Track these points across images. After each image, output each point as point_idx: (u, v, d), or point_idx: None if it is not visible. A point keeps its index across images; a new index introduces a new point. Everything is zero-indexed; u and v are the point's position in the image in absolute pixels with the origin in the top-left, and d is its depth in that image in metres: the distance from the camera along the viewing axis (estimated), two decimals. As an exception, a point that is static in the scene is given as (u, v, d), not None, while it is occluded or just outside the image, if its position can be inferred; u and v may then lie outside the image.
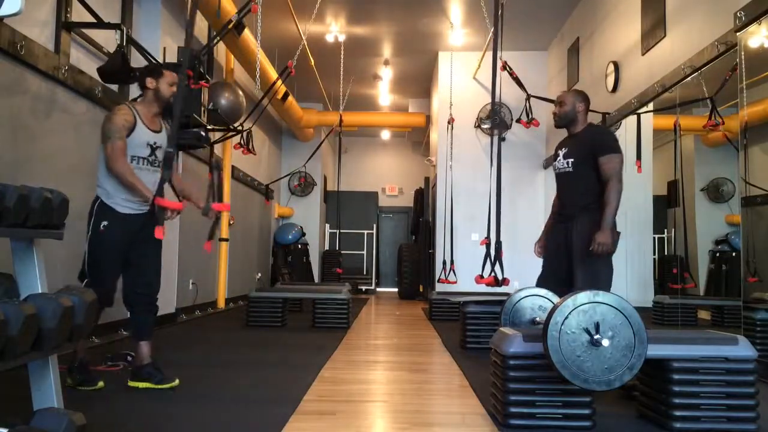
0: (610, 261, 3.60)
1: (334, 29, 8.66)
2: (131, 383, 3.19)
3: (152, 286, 3.34)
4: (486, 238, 4.29)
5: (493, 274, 4.00)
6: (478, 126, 9.47)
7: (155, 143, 3.33)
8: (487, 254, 4.14)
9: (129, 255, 3.26)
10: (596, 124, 3.88)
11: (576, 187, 3.73)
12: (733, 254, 6.14)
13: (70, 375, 3.12)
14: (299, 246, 11.45)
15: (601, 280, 3.51)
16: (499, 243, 4.02)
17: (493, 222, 4.15)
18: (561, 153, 3.82)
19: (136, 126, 3.26)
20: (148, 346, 3.27)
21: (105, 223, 3.17)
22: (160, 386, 3.15)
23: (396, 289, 12.96)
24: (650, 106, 5.96)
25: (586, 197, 3.66)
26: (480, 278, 4.17)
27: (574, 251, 3.63)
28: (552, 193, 4.19)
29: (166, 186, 3.24)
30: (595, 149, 3.65)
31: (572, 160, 3.73)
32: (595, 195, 3.62)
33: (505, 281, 4.01)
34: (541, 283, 3.75)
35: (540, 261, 3.96)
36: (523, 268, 6.24)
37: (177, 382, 3.19)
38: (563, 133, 4.04)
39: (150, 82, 3.31)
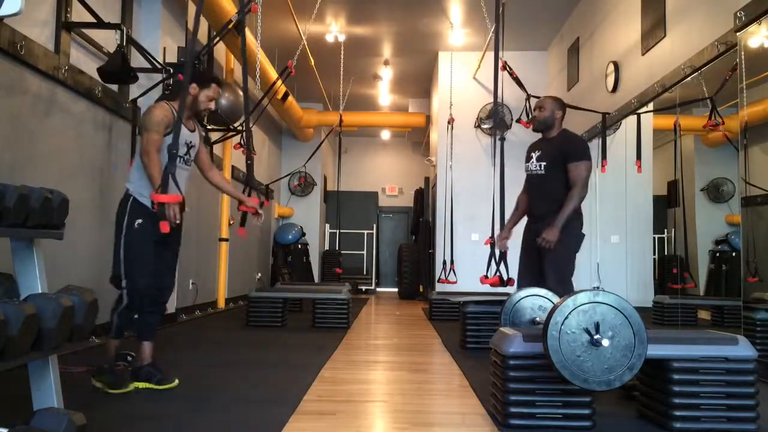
0: (569, 251, 3.90)
1: (334, 29, 8.66)
2: (132, 383, 3.18)
3: (166, 289, 3.36)
4: (490, 237, 4.32)
5: (497, 274, 4.06)
6: (478, 126, 9.47)
7: (191, 142, 3.34)
8: (492, 254, 4.17)
9: None
10: (569, 130, 4.07)
11: (546, 189, 3.97)
12: (733, 254, 6.14)
13: (99, 377, 3.08)
14: (299, 246, 11.45)
15: (561, 277, 3.83)
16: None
17: (497, 222, 4.20)
18: (534, 155, 4.07)
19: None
20: (150, 347, 3.27)
21: (140, 220, 3.13)
22: (159, 387, 3.14)
23: (396, 289, 12.96)
24: (650, 106, 5.96)
25: (554, 201, 3.90)
26: (485, 278, 4.23)
27: (542, 251, 3.89)
28: None
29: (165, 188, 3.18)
30: (566, 155, 3.89)
31: (544, 163, 3.97)
32: (563, 198, 3.87)
33: (510, 281, 4.06)
34: (519, 279, 4.05)
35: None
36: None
37: (176, 382, 3.19)
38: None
39: (194, 88, 3.27)
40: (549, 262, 3.88)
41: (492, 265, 4.14)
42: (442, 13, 8.20)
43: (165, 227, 2.94)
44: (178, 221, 3.02)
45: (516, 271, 4.14)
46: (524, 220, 4.28)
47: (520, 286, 4.01)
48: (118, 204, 3.26)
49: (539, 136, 4.20)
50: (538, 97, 6.79)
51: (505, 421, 2.53)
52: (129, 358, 3.53)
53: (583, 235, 4.02)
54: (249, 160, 3.60)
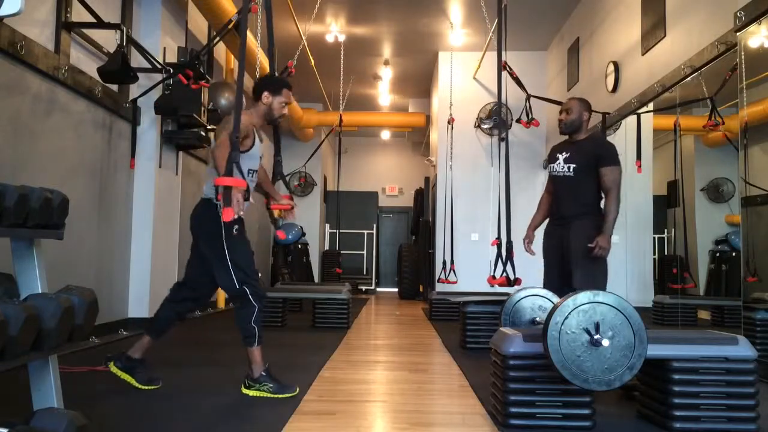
0: (605, 263, 3.80)
1: (334, 29, 8.66)
2: (113, 368, 3.16)
3: (208, 298, 3.38)
4: (497, 238, 4.33)
5: (504, 274, 4.06)
6: (478, 126, 9.47)
7: (262, 155, 3.32)
8: (498, 255, 4.18)
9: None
10: (598, 133, 4.01)
11: (575, 192, 3.90)
12: (733, 254, 6.14)
13: (257, 388, 3.08)
14: (299, 246, 11.45)
15: (599, 281, 3.72)
16: (510, 243, 4.10)
17: (503, 222, 4.21)
18: (561, 157, 3.98)
19: (255, 142, 3.19)
20: (151, 343, 3.27)
21: (236, 226, 3.04)
22: (139, 385, 3.13)
23: (396, 289, 12.96)
24: (650, 106, 5.96)
25: (583, 203, 3.86)
26: (492, 279, 4.24)
27: (572, 253, 3.80)
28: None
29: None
30: (598, 159, 3.83)
31: (574, 165, 3.89)
32: (592, 201, 3.85)
33: (517, 281, 4.07)
34: (547, 284, 3.91)
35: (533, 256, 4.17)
36: (524, 267, 6.23)
37: (158, 386, 3.15)
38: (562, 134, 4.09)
39: (266, 97, 3.21)
40: (583, 265, 3.76)
41: (499, 265, 4.15)
42: (442, 13, 8.20)
43: (228, 214, 2.74)
44: (242, 210, 2.81)
45: (519, 271, 4.14)
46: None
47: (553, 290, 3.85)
48: (197, 212, 3.17)
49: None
50: (538, 98, 6.84)
51: (505, 421, 2.53)
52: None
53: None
54: (278, 156, 3.49)
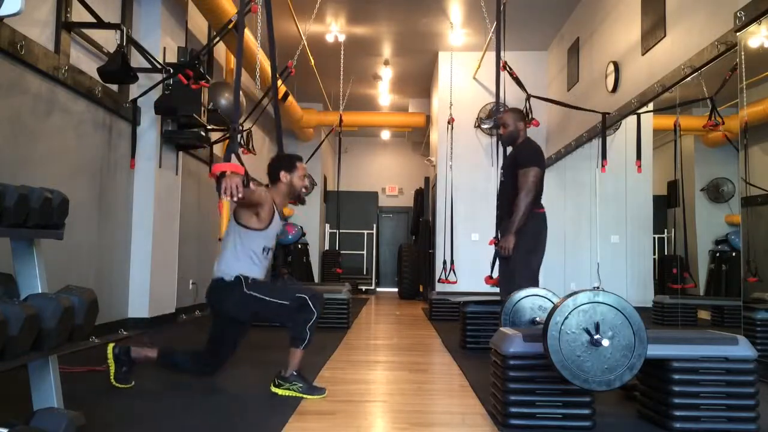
0: (528, 260, 4.06)
1: (334, 29, 8.66)
2: (109, 349, 3.18)
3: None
4: (494, 238, 4.36)
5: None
6: (478, 126, 9.48)
7: (279, 234, 3.36)
8: (496, 254, 4.22)
9: None
10: (531, 139, 4.20)
11: (506, 195, 4.18)
12: (733, 254, 6.14)
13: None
14: (299, 246, 11.45)
15: (516, 278, 3.98)
16: None
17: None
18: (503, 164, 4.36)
19: (275, 217, 3.23)
20: (152, 362, 3.28)
21: (251, 279, 3.15)
22: (112, 379, 3.14)
23: (396, 289, 12.95)
24: (650, 106, 5.96)
25: (509, 205, 4.11)
26: (489, 279, 4.29)
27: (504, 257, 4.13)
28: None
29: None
30: (517, 161, 4.11)
31: (503, 170, 4.24)
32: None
33: None
34: (500, 284, 4.28)
35: None
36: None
37: (131, 384, 3.16)
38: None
39: (284, 176, 3.27)
40: (511, 267, 4.09)
41: (496, 265, 4.21)
42: (442, 13, 8.20)
43: (223, 199, 2.86)
44: (238, 196, 2.79)
45: None
46: None
47: (501, 292, 4.23)
48: (213, 295, 3.22)
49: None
50: (538, 97, 6.83)
51: (505, 421, 2.53)
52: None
53: (544, 233, 4.15)
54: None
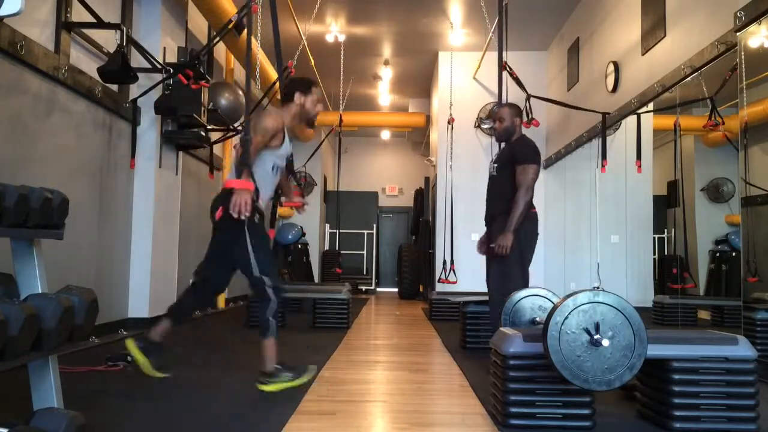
0: (518, 261, 3.96)
1: (334, 29, 8.66)
2: (129, 345, 3.18)
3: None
4: (484, 238, 4.35)
5: None
6: (478, 126, 9.48)
7: (291, 154, 3.40)
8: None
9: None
10: (527, 136, 4.16)
11: (498, 190, 4.13)
12: (733, 254, 6.15)
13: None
14: (299, 246, 11.45)
15: (509, 280, 3.87)
16: None
17: None
18: (493, 159, 4.26)
19: (285, 138, 3.26)
20: (170, 329, 3.34)
21: (257, 215, 3.12)
22: (151, 370, 3.15)
23: (396, 289, 12.96)
24: (650, 106, 5.96)
25: (503, 202, 4.03)
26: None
27: (492, 251, 4.02)
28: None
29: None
30: (515, 157, 4.03)
31: (497, 165, 4.13)
32: (510, 200, 3.98)
33: None
34: (486, 281, 4.17)
35: None
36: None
37: (168, 375, 3.20)
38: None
39: (299, 97, 3.30)
40: (496, 261, 4.01)
41: None
42: (442, 13, 8.20)
43: (220, 213, 3.00)
44: (246, 214, 2.89)
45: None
46: None
47: (492, 291, 4.12)
48: (218, 202, 3.19)
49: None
50: (538, 97, 6.83)
51: (505, 421, 2.53)
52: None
53: (536, 234, 4.12)
54: (290, 157, 3.53)
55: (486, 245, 4.17)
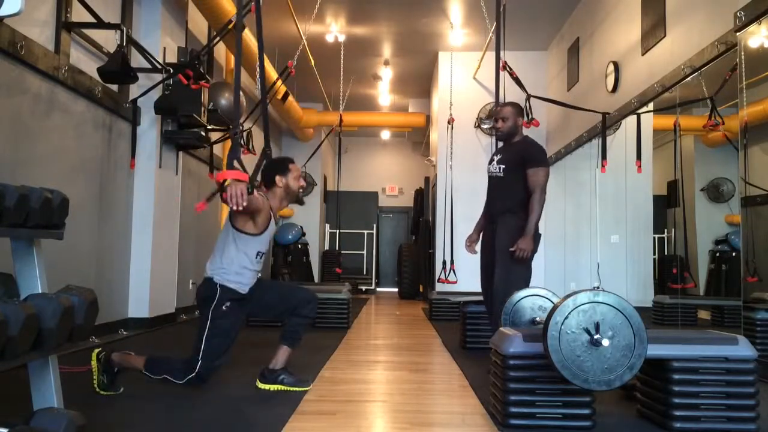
0: (529, 263, 3.94)
1: (334, 29, 8.66)
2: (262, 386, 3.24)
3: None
4: (473, 239, 4.36)
5: None
6: (478, 126, 9.47)
7: (273, 234, 3.40)
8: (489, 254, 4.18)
9: None
10: (530, 137, 4.15)
11: (504, 191, 4.07)
12: (733, 254, 6.15)
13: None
14: (299, 246, 11.45)
15: (519, 279, 3.85)
16: None
17: None
18: (496, 158, 4.18)
19: (270, 223, 3.23)
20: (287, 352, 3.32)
21: (228, 303, 3.09)
22: (292, 388, 3.22)
23: (396, 289, 12.95)
24: (650, 106, 5.96)
25: (510, 201, 4.01)
26: None
27: (496, 250, 3.96)
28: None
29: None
30: (525, 160, 3.99)
31: (504, 166, 4.07)
32: (518, 201, 3.97)
33: None
34: (482, 283, 4.15)
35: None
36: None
37: (308, 387, 3.27)
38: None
39: (279, 180, 3.28)
40: (503, 262, 3.93)
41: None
42: (442, 13, 8.20)
43: (201, 205, 2.96)
44: (242, 205, 2.76)
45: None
46: None
47: (483, 289, 4.14)
48: (202, 286, 3.19)
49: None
50: (538, 97, 6.83)
51: (505, 421, 2.53)
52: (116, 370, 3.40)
53: (540, 235, 4.07)
54: (267, 148, 3.47)
55: (489, 245, 4.11)
